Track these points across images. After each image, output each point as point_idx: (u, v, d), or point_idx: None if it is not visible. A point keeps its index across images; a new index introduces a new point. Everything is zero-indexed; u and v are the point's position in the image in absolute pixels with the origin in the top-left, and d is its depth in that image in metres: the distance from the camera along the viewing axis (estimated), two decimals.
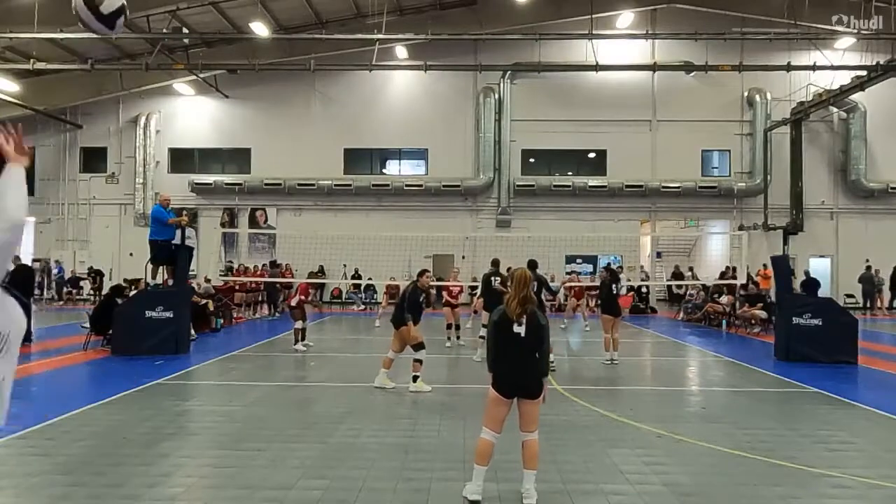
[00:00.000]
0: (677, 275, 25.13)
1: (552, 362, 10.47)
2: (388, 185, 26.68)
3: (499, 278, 12.05)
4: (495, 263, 12.49)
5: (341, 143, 27.29)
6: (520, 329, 4.79)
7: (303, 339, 12.92)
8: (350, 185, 26.67)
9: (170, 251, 12.73)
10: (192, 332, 13.38)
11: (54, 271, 26.96)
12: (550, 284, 12.17)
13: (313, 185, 26.64)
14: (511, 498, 4.94)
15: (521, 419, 4.90)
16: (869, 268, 24.44)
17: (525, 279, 4.87)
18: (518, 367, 4.84)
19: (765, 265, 24.93)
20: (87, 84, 25.58)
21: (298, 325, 12.81)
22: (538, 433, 4.91)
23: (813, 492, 5.19)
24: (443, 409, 7.81)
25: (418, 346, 8.96)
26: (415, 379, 8.88)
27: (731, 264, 24.67)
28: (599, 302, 13.04)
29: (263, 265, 23.99)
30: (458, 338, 13.90)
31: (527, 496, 4.77)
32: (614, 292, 11.84)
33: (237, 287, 19.87)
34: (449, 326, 13.93)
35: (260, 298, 21.33)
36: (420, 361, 8.95)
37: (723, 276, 22.85)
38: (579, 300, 19.22)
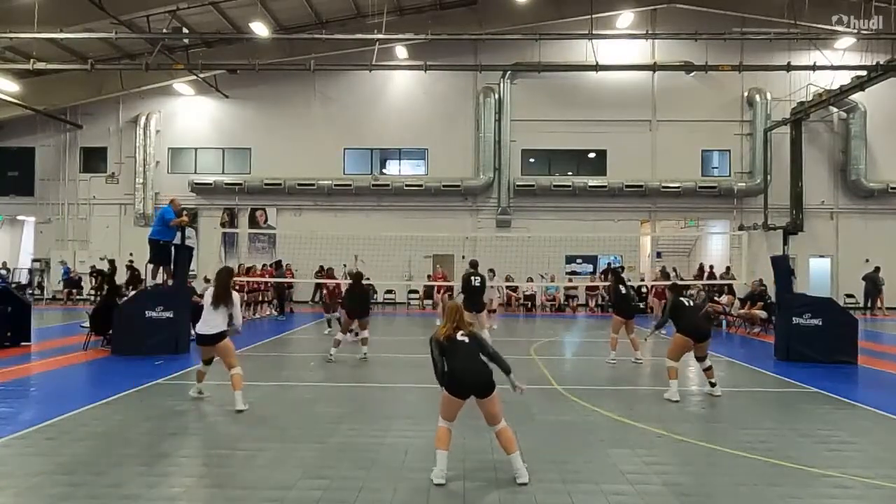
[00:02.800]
0: (664, 275, 25.15)
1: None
2: (388, 185, 26.68)
3: (479, 278, 12.20)
4: (474, 265, 12.65)
5: (341, 143, 27.31)
6: (463, 338, 5.46)
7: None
8: (350, 185, 26.68)
9: (170, 251, 12.71)
10: (193, 331, 13.36)
11: (59, 271, 26.95)
12: (549, 285, 12.26)
13: (313, 185, 26.65)
14: (508, 499, 4.94)
15: (485, 418, 5.37)
16: (877, 269, 24.41)
17: (455, 309, 5.65)
18: (468, 369, 5.33)
19: (710, 266, 25.32)
20: (87, 84, 25.58)
21: (338, 314, 14.74)
22: (504, 420, 5.33)
23: (813, 492, 5.19)
24: None
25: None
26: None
27: (707, 265, 25.04)
28: (610, 304, 13.11)
29: (266, 265, 23.96)
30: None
31: (519, 476, 5.19)
32: (623, 293, 11.91)
33: (238, 287, 19.83)
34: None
35: (261, 298, 21.33)
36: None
37: (698, 276, 23.27)
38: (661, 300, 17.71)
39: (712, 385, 8.74)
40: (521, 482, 5.16)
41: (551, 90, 26.65)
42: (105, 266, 25.33)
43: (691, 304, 9.13)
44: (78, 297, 26.04)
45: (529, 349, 13.16)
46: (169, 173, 27.87)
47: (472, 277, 12.05)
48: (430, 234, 23.15)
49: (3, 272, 26.87)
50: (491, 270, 16.67)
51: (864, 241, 26.06)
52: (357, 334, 12.01)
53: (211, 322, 7.74)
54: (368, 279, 15.85)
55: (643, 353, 11.91)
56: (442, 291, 17.22)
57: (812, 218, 25.98)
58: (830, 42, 23.58)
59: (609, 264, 25.47)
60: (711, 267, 25.47)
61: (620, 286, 12.03)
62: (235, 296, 8.06)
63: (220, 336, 7.78)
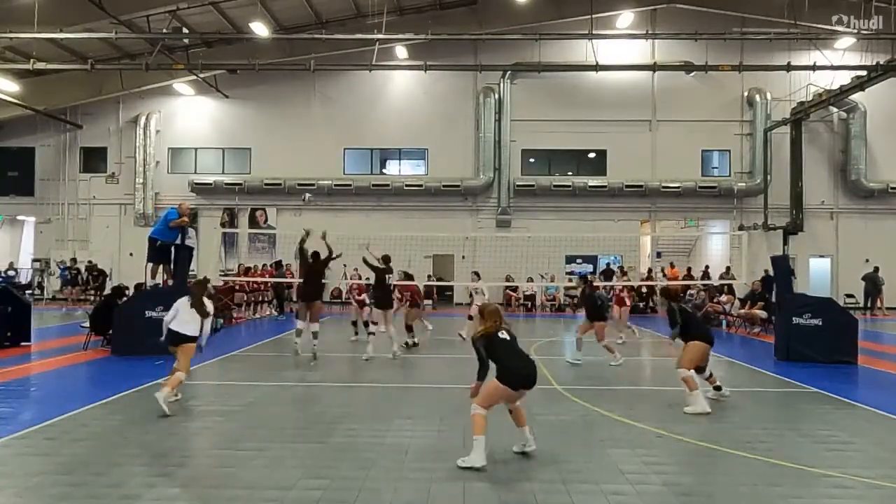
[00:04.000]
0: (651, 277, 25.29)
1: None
2: (388, 185, 26.69)
3: (390, 276, 12.42)
4: (387, 260, 12.80)
5: (341, 143, 27.31)
6: (506, 336, 5.86)
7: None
8: (350, 185, 26.68)
9: (169, 252, 12.71)
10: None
11: (57, 271, 27.01)
12: (549, 285, 12.18)
13: (313, 185, 26.64)
14: (508, 499, 4.94)
15: (507, 400, 5.84)
16: (877, 269, 24.43)
17: (496, 311, 6.03)
18: (525, 362, 5.82)
19: (672, 264, 25.75)
20: (87, 84, 25.60)
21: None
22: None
23: (813, 492, 5.19)
24: (443, 409, 7.81)
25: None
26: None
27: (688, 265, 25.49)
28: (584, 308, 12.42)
29: (266, 265, 23.97)
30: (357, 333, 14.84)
31: (529, 444, 5.87)
32: (598, 302, 11.80)
33: (237, 287, 19.87)
34: (354, 323, 15.17)
35: (261, 298, 21.33)
36: None
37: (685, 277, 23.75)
38: (620, 306, 15.79)
39: (718, 389, 8.40)
40: (530, 448, 5.84)
41: (551, 90, 26.66)
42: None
43: (692, 309, 8.75)
44: (77, 297, 26.02)
45: (529, 349, 13.16)
46: (169, 173, 27.88)
47: (388, 275, 12.41)
48: (430, 234, 23.14)
49: (11, 272, 26.90)
50: (475, 273, 16.20)
51: (864, 241, 26.06)
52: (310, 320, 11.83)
53: (189, 324, 7.95)
54: (361, 274, 15.48)
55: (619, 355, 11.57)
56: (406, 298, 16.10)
57: (812, 218, 25.97)
58: (830, 42, 23.58)
59: (608, 264, 25.50)
60: (707, 267, 25.72)
61: (595, 294, 12.01)
62: (209, 306, 8.21)
63: (191, 339, 7.97)
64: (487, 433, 5.60)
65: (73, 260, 26.31)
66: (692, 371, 7.91)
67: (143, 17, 20.81)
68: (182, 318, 7.98)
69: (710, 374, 8.46)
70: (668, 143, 26.53)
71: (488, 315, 5.98)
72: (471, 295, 16.71)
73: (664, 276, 24.34)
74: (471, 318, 16.10)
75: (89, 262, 25.98)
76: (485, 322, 5.95)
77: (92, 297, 24.45)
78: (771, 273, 18.74)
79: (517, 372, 5.71)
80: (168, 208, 13.57)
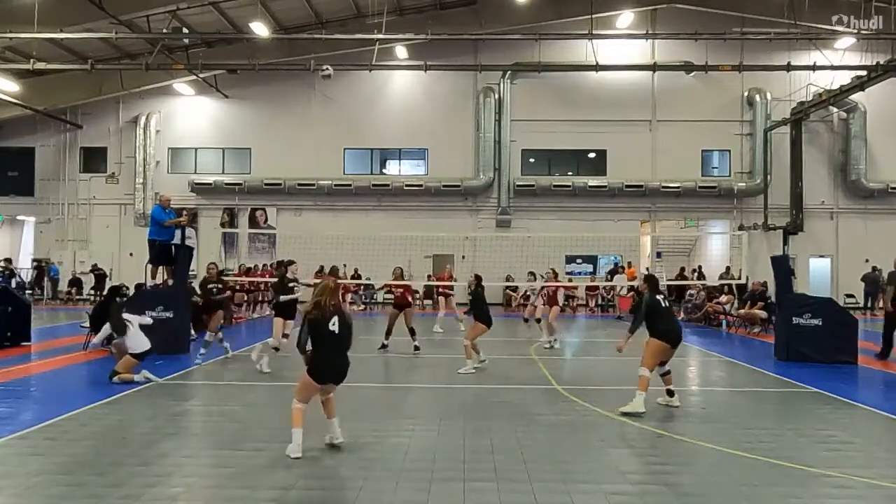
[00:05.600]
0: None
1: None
2: (388, 185, 26.69)
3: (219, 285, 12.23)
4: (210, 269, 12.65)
5: (341, 143, 27.33)
6: (335, 327, 5.77)
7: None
8: (350, 185, 26.69)
9: (169, 252, 12.73)
10: (192, 331, 13.35)
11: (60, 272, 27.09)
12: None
13: (313, 185, 26.66)
14: (508, 499, 4.94)
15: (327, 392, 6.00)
16: (875, 268, 24.45)
17: (329, 287, 5.90)
18: (337, 360, 5.88)
19: (629, 263, 25.63)
20: (87, 84, 25.61)
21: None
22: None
23: (813, 492, 5.18)
24: (443, 409, 7.81)
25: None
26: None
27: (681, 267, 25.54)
28: (471, 310, 10.79)
29: (266, 265, 23.96)
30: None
31: (336, 437, 6.01)
32: (485, 299, 10.68)
33: (237, 287, 19.87)
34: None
35: (261, 298, 21.33)
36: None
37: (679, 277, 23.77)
38: (552, 306, 14.58)
39: (670, 394, 7.96)
40: (339, 441, 5.99)
41: (551, 90, 26.66)
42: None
43: (667, 304, 8.04)
44: (78, 297, 26.04)
45: (529, 349, 13.17)
46: (169, 173, 27.90)
47: (211, 286, 12.25)
48: (430, 234, 23.13)
49: (8, 270, 26.88)
50: (531, 273, 15.25)
51: (864, 241, 26.06)
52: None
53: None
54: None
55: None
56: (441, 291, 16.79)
57: (812, 218, 25.98)
58: (830, 42, 23.60)
59: (616, 264, 25.51)
60: (700, 267, 25.70)
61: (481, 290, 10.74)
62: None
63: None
64: (489, 431, 5.58)
65: (7, 259, 26.38)
66: (651, 372, 7.67)
67: (143, 17, 20.83)
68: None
69: (668, 372, 7.99)
70: (668, 143, 26.54)
71: (323, 292, 5.80)
72: (527, 297, 16.67)
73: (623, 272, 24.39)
74: (526, 320, 16.07)
75: (94, 265, 26.04)
76: (325, 298, 5.77)
77: (92, 298, 24.47)
78: (748, 274, 18.93)
79: (323, 367, 5.84)
80: (154, 205, 13.66)
